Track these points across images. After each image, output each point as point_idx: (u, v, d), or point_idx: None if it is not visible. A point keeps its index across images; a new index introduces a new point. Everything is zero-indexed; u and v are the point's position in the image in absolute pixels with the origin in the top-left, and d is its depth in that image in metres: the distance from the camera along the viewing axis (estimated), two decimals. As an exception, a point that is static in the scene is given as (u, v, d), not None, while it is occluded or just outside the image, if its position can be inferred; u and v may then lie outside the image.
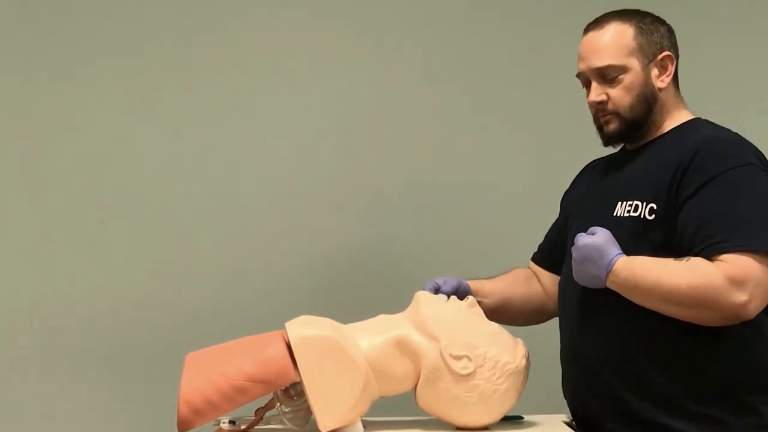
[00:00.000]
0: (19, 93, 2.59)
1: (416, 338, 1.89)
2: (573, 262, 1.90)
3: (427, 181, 2.68)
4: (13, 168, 2.59)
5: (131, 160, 2.61)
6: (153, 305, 2.59)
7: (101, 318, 2.57)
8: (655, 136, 1.98)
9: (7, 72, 2.59)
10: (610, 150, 2.08)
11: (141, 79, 2.62)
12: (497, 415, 1.92)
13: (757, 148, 1.91)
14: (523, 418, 2.03)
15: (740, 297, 1.76)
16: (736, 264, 1.77)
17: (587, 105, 2.00)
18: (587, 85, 1.99)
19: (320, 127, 2.67)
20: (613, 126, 1.97)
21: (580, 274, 1.90)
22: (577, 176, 2.21)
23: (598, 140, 2.02)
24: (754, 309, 1.78)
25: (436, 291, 2.03)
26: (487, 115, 2.70)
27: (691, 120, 1.99)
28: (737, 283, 1.76)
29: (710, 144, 1.88)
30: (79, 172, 2.59)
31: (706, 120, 1.99)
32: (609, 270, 1.84)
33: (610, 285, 1.86)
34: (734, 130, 1.95)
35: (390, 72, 2.69)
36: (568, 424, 2.00)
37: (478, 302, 2.05)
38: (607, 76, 1.94)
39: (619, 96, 1.94)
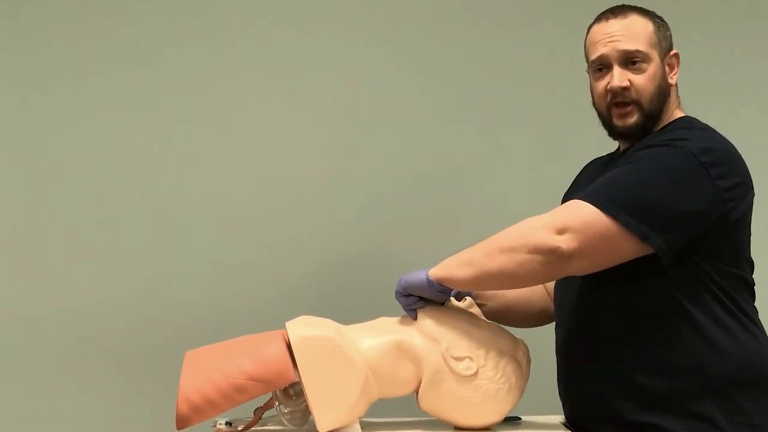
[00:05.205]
0: (16, 94, 2.59)
1: (417, 341, 1.90)
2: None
3: (429, 183, 2.68)
4: (11, 168, 2.58)
5: (129, 160, 2.60)
6: (151, 305, 2.58)
7: (99, 317, 2.56)
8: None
9: (4, 73, 2.59)
10: (610, 149, 2.08)
11: (138, 80, 2.61)
12: (502, 414, 1.92)
13: (736, 160, 1.86)
14: (521, 419, 2.04)
15: (553, 236, 1.76)
16: (563, 208, 1.82)
17: (596, 95, 1.96)
18: (605, 70, 1.94)
19: (321, 127, 2.66)
20: (632, 119, 1.92)
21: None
22: (578, 175, 2.18)
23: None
24: (567, 249, 1.75)
25: None
26: (486, 117, 2.70)
27: (679, 117, 1.96)
28: (554, 223, 1.77)
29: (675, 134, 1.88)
30: (77, 172, 2.59)
31: (694, 119, 1.97)
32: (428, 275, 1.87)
33: (440, 279, 1.87)
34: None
35: (389, 73, 2.69)
36: (566, 425, 2.00)
37: (481, 305, 2.05)
38: (634, 61, 1.91)
39: (643, 84, 1.91)
